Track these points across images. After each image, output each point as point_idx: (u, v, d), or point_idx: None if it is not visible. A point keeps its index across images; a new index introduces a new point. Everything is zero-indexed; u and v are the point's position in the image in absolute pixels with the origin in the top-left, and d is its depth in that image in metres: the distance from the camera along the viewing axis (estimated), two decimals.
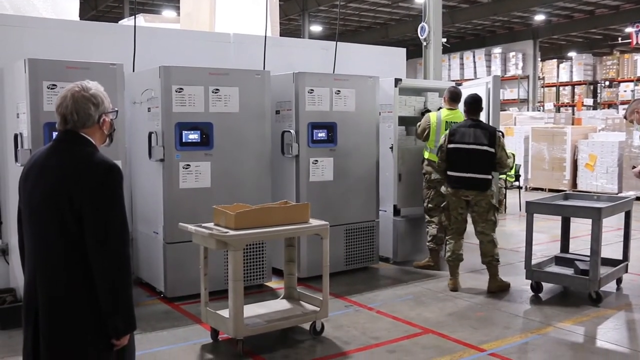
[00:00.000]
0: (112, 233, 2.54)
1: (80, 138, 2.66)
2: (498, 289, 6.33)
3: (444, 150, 6.41)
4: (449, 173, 6.38)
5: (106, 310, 2.56)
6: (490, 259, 6.35)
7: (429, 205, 7.24)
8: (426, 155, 7.27)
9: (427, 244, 7.30)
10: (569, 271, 6.36)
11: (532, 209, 6.28)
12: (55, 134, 2.76)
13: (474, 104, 6.47)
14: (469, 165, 6.26)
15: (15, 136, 5.32)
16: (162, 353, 4.76)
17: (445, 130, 7.04)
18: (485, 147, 6.21)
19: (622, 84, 23.30)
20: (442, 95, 7.42)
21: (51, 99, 5.10)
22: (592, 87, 25.09)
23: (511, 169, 6.50)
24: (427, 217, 7.30)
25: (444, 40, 12.14)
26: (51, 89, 5.15)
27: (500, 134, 6.41)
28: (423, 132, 7.18)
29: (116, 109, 2.88)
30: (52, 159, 2.63)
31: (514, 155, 8.35)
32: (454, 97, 7.21)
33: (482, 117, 7.27)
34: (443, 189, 6.53)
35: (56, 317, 2.58)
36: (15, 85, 5.48)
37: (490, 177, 6.30)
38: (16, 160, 5.27)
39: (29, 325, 2.65)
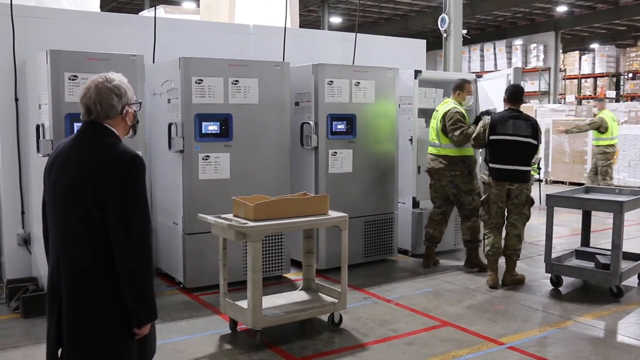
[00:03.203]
0: (134, 223, 2.57)
1: (104, 129, 2.69)
2: (513, 282, 6.31)
3: (487, 142, 6.26)
4: (491, 165, 6.25)
5: (128, 299, 2.59)
6: (511, 252, 6.29)
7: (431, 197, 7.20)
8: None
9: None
10: (589, 265, 6.31)
11: (552, 202, 6.21)
12: (78, 125, 2.79)
13: (515, 93, 6.33)
14: (512, 157, 6.15)
15: (37, 127, 5.38)
16: (181, 343, 4.80)
17: (432, 118, 6.96)
18: (528, 139, 6.12)
19: None
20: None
21: (72, 90, 5.15)
22: (614, 79, 24.75)
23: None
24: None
25: (464, 31, 12.01)
26: (72, 80, 5.20)
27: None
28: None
29: (139, 100, 2.90)
30: (76, 149, 2.66)
31: None
32: (453, 87, 7.02)
33: (501, 109, 7.23)
34: (484, 177, 6.35)
35: (79, 306, 2.61)
36: (37, 77, 5.54)
37: (530, 168, 6.26)
38: (38, 150, 5.33)
39: (52, 313, 2.69)
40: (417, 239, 7.49)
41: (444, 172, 6.80)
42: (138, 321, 2.63)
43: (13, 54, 5.94)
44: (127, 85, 2.77)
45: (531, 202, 6.30)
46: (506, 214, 6.35)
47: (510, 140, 6.13)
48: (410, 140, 7.37)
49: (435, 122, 6.88)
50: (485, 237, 6.41)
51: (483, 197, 6.44)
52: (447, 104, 6.87)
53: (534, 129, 6.14)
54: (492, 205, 6.29)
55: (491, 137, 6.22)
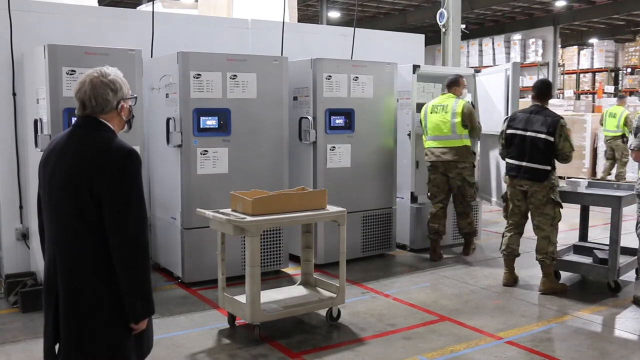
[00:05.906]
0: (130, 218, 2.57)
1: (99, 124, 2.68)
2: (550, 291, 5.89)
3: (503, 137, 6.08)
4: (506, 160, 6.05)
5: (125, 294, 2.59)
6: (543, 256, 5.89)
7: (428, 193, 7.24)
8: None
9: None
10: (587, 260, 6.32)
11: None
12: (74, 120, 2.78)
13: (541, 88, 6.02)
14: (525, 153, 5.83)
15: (35, 121, 5.37)
16: (179, 337, 4.80)
17: (432, 113, 7.03)
18: (543, 136, 5.72)
19: None
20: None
21: (70, 85, 5.14)
22: (613, 74, 24.72)
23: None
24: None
25: (463, 26, 12.00)
26: (70, 74, 5.19)
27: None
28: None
29: (135, 95, 2.89)
30: (71, 144, 2.65)
31: None
32: (448, 83, 7.18)
33: (502, 105, 7.22)
34: (504, 177, 6.15)
35: (76, 301, 2.61)
36: (35, 71, 5.53)
37: (548, 167, 5.76)
38: (36, 145, 5.33)
39: (49, 308, 2.69)
40: (415, 234, 7.50)
41: (454, 163, 6.92)
42: (135, 316, 2.63)
43: (11, 48, 5.93)
44: (123, 80, 2.75)
45: (555, 203, 5.84)
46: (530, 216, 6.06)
47: (523, 136, 5.86)
48: (409, 135, 7.37)
49: (448, 115, 6.92)
50: (503, 235, 6.22)
51: (503, 194, 6.27)
52: (454, 98, 7.05)
53: (551, 125, 5.73)
54: (509, 203, 6.10)
55: (507, 132, 6.02)
